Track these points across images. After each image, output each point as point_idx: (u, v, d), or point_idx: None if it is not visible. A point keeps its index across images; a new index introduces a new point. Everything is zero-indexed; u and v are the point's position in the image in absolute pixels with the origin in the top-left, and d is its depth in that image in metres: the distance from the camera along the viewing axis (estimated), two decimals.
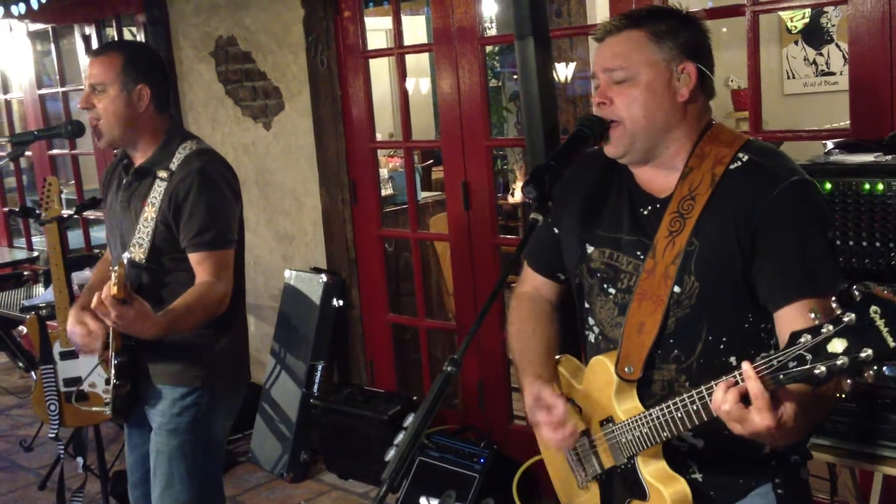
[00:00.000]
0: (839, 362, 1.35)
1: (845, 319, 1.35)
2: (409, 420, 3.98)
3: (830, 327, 1.37)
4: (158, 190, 2.67)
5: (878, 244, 2.29)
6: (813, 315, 1.41)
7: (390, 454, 3.81)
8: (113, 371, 2.70)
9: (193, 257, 2.66)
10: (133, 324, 2.45)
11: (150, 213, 2.67)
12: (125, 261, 2.54)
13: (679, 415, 1.66)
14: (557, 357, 2.05)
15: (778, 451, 1.83)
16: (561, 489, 2.11)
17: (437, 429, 3.95)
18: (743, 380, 1.49)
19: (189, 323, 2.61)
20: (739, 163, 1.77)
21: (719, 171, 1.76)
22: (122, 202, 2.79)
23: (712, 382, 1.57)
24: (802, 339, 1.40)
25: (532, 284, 2.14)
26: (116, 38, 5.76)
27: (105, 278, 2.82)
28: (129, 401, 2.78)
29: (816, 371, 1.38)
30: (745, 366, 1.48)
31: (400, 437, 3.87)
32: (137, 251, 2.68)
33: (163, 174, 2.68)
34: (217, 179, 2.70)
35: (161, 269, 2.72)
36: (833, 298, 1.38)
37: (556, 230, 2.04)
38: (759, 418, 1.48)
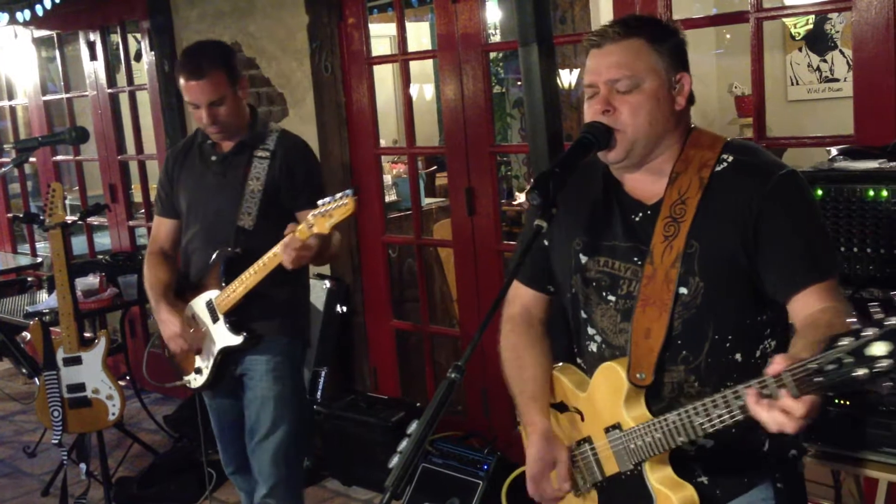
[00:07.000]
0: (882, 364, 1.33)
1: (887, 323, 1.34)
2: (413, 427, 3.95)
3: (874, 330, 1.35)
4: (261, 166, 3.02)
5: (882, 251, 2.28)
6: (859, 320, 1.39)
7: (394, 461, 3.78)
8: (227, 327, 2.98)
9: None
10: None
11: (254, 185, 3.00)
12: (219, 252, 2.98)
13: (699, 420, 1.66)
14: (557, 365, 2.05)
15: (777, 447, 1.86)
16: None
17: (440, 435, 3.94)
18: (776, 386, 1.45)
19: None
20: (725, 164, 1.81)
21: (706, 173, 1.80)
22: (214, 175, 3.06)
23: (731, 392, 1.58)
24: (842, 343, 1.37)
25: (521, 303, 2.11)
26: (121, 45, 5.77)
27: (165, 274, 3.15)
28: (222, 371, 3.08)
29: (856, 374, 1.35)
30: (775, 369, 1.46)
31: (403, 443, 3.83)
32: (247, 219, 3.00)
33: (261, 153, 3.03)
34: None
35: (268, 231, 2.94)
36: (876, 304, 1.38)
37: (546, 242, 2.04)
38: (798, 425, 1.46)
